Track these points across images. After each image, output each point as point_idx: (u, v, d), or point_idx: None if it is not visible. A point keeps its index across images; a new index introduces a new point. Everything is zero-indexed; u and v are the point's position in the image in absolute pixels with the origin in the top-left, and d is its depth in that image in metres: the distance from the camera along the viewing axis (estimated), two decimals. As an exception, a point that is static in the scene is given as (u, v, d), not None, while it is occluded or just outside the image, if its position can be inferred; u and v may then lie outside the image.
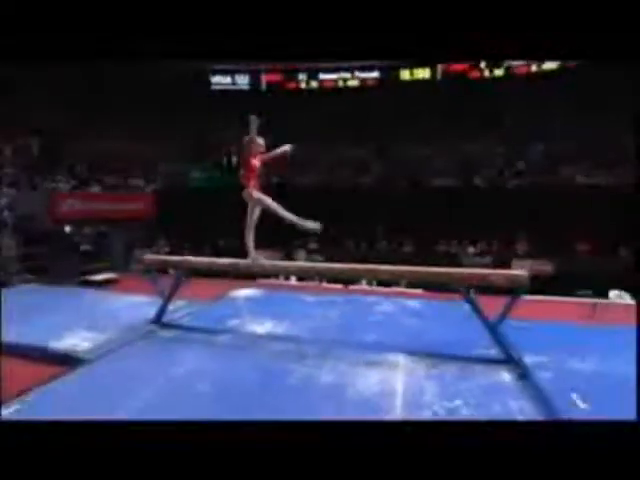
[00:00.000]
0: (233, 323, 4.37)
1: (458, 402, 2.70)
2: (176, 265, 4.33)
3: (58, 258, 7.53)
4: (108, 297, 5.73)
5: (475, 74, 15.22)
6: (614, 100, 10.77)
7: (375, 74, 15.89)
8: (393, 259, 8.74)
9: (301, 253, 8.84)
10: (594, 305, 5.26)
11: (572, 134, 10.65)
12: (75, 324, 4.19)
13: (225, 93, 14.72)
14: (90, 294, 6.00)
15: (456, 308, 4.77)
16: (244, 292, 5.71)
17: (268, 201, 3.86)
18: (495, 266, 7.86)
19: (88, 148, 10.80)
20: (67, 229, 8.74)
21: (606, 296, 6.14)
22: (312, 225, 3.79)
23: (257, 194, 3.85)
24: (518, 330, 3.48)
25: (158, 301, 4.55)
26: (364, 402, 2.73)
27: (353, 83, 16.08)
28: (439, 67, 15.41)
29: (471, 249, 8.15)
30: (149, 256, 4.41)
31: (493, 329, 3.33)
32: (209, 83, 14.73)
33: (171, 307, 4.61)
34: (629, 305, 5.81)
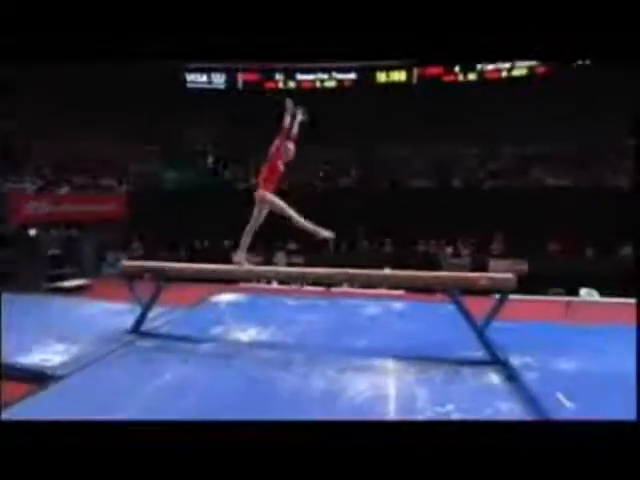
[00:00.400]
0: (216, 330, 4.23)
1: (450, 407, 2.70)
2: (158, 271, 4.13)
3: (23, 263, 7.09)
4: (80, 305, 5.43)
5: (450, 78, 15.61)
6: (581, 105, 11.27)
7: (352, 75, 15.97)
8: (374, 259, 8.82)
9: (281, 255, 8.73)
10: (568, 303, 5.44)
11: (541, 138, 11.05)
12: (45, 336, 3.93)
13: (201, 92, 14.39)
14: (60, 302, 5.68)
15: (439, 308, 4.83)
16: (225, 297, 5.55)
17: (281, 204, 3.75)
18: (473, 266, 8.04)
19: (56, 147, 10.26)
20: (32, 232, 8.26)
21: (577, 294, 6.38)
22: (326, 233, 3.70)
23: (270, 196, 3.75)
24: (501, 331, 3.54)
25: (135, 308, 4.35)
26: (356, 409, 2.68)
27: (330, 84, 16.11)
28: (415, 70, 15.70)
29: (449, 249, 8.29)
30: (128, 262, 4.20)
31: (480, 331, 3.37)
32: (184, 82, 14.36)
33: (150, 314, 4.41)
34: (599, 302, 6.07)
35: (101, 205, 9.09)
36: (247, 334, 4.11)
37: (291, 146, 3.80)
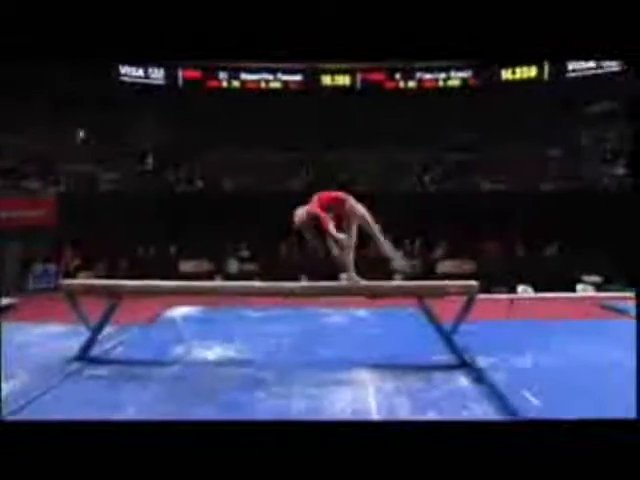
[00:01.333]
0: (177, 351, 3.93)
1: (431, 414, 2.77)
2: (113, 290, 3.71)
3: None
4: (7, 329, 4.72)
5: (390, 85, 16.25)
6: (507, 117, 12.39)
7: (298, 77, 15.94)
8: (326, 263, 8.87)
9: (233, 262, 8.43)
10: (511, 301, 5.92)
11: (478, 145, 11.95)
12: None
13: (137, 87, 13.39)
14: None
15: (398, 313, 4.99)
16: (180, 311, 5.21)
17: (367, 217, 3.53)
18: (423, 268, 8.44)
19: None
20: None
21: (515, 291, 6.98)
22: (401, 263, 3.59)
23: (361, 209, 3.50)
24: (460, 332, 3.69)
25: (77, 330, 3.94)
26: None
27: (276, 85, 15.93)
28: (358, 75, 16.11)
29: (400, 252, 8.62)
30: (70, 281, 3.73)
31: (448, 337, 3.51)
32: (118, 75, 13.25)
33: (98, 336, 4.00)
34: (535, 298, 6.71)
35: (26, 210, 8.03)
36: (212, 352, 3.88)
37: None
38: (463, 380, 3.28)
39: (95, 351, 3.78)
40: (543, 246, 8.59)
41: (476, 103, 13.69)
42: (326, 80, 16.34)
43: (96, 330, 3.69)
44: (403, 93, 15.60)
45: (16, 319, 5.45)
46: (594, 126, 11.76)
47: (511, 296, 6.28)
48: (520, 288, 6.89)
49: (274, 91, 15.85)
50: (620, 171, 9.60)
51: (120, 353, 3.89)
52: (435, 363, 3.60)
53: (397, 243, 9.39)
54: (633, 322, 4.75)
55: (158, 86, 13.69)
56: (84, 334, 4.22)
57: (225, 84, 15.14)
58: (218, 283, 3.69)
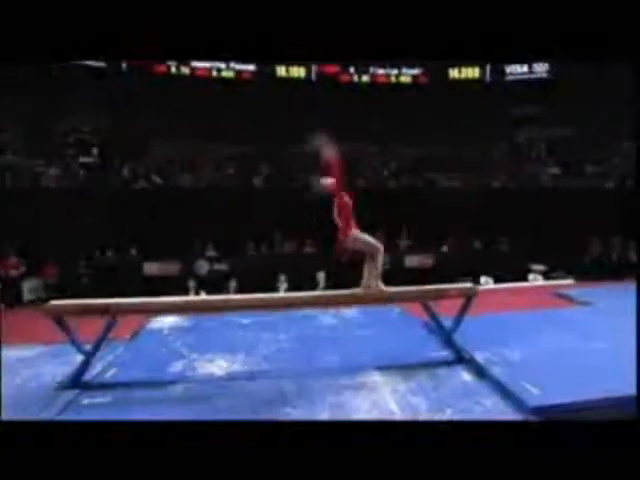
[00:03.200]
0: (177, 366, 3.77)
1: (449, 411, 2.99)
2: (113, 309, 3.38)
3: None
4: None
5: (345, 78, 16.42)
6: (459, 115, 13.17)
7: (251, 67, 15.47)
8: (296, 260, 8.88)
9: (202, 263, 8.12)
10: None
11: (432, 141, 12.58)
12: None
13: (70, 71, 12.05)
14: None
15: (386, 313, 5.21)
16: (165, 322, 4.94)
17: (364, 238, 3.39)
18: (392, 262, 8.78)
19: None
20: None
21: (479, 282, 7.57)
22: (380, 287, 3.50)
23: (355, 235, 3.36)
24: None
25: (50, 351, 3.81)
26: None
27: (228, 74, 15.31)
28: (313, 67, 16.03)
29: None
30: (60, 302, 3.37)
31: (449, 335, 3.78)
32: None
33: (79, 357, 3.71)
34: (496, 289, 7.34)
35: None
36: (216, 366, 3.77)
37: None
38: (466, 375, 3.55)
39: (85, 375, 3.49)
40: (495, 239, 9.36)
41: (425, 100, 14.35)
42: (281, 71, 16.10)
43: (91, 353, 3.40)
44: (357, 87, 15.94)
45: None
46: (528, 127, 12.97)
47: (481, 288, 6.79)
48: (482, 279, 7.49)
49: (225, 80, 15.29)
50: (555, 170, 10.74)
51: (114, 375, 3.62)
52: (435, 359, 3.84)
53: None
54: (586, 309, 5.49)
55: (100, 69, 12.45)
56: (58, 356, 3.92)
57: (174, 70, 14.26)
58: (234, 297, 3.55)
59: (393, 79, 16.53)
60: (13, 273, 7.68)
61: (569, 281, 7.41)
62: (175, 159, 11.30)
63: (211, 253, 8.57)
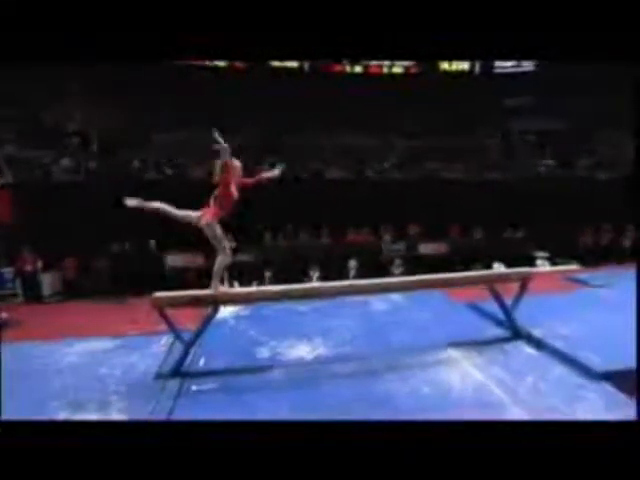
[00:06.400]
0: (264, 353, 3.97)
1: (529, 378, 3.38)
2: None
3: None
4: (24, 350, 4.09)
5: (338, 68, 16.49)
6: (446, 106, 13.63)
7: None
8: (311, 251, 9.06)
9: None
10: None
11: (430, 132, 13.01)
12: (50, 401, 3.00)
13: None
14: None
15: (427, 298, 5.52)
16: (225, 313, 5.03)
17: (218, 233, 3.47)
18: (410, 250, 9.17)
19: None
20: None
21: (491, 268, 8.07)
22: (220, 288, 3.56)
23: (214, 224, 3.44)
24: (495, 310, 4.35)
25: (129, 342, 3.95)
26: (479, 400, 3.07)
27: (219, 63, 15.01)
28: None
29: (387, 237, 9.20)
30: (162, 294, 3.48)
31: (509, 314, 4.19)
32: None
33: (154, 348, 3.99)
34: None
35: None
36: (302, 350, 4.00)
37: (237, 163, 3.53)
38: (528, 349, 3.98)
39: (171, 364, 3.62)
40: (501, 230, 9.91)
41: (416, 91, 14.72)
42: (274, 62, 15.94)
43: (190, 343, 3.55)
44: (350, 77, 16.07)
45: (19, 337, 4.68)
46: (519, 118, 13.67)
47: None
48: (495, 265, 8.02)
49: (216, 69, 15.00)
50: (549, 161, 11.48)
51: (206, 364, 3.77)
52: (494, 337, 4.24)
53: (376, 230, 10.00)
54: (604, 290, 6.07)
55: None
56: (137, 349, 4.04)
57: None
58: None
59: (386, 70, 16.88)
60: (28, 268, 7.46)
61: (574, 266, 8.08)
62: (176, 150, 11.05)
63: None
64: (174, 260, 7.93)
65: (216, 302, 3.45)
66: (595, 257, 8.53)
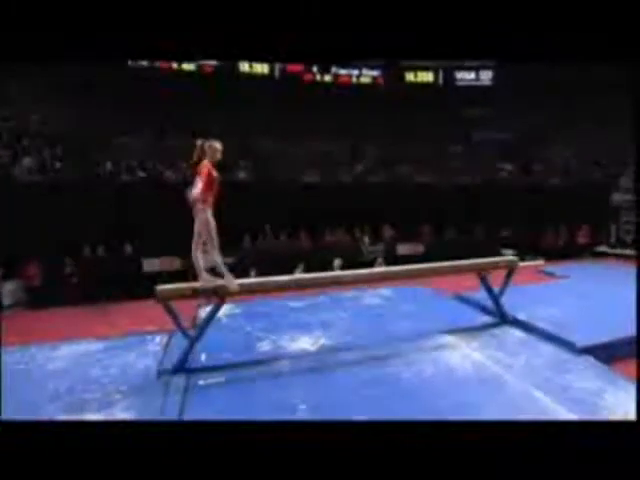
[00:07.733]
0: (265, 347, 3.94)
1: (522, 357, 3.62)
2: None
3: None
4: (21, 355, 3.80)
5: (308, 77, 16.82)
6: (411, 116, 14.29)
7: (212, 62, 15.15)
8: (290, 253, 9.07)
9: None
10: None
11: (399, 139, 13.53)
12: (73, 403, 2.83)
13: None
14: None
15: (412, 292, 5.75)
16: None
17: (211, 227, 3.33)
18: (388, 251, 9.42)
19: None
20: None
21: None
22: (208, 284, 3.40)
23: (210, 216, 3.31)
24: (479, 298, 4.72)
25: (121, 343, 3.84)
26: (484, 382, 3.20)
27: (190, 68, 14.85)
28: (277, 65, 16.18)
29: (366, 239, 9.40)
30: (167, 286, 3.37)
31: (496, 300, 4.45)
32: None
33: (150, 347, 3.90)
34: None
35: None
36: (303, 342, 4.01)
37: (219, 145, 3.38)
38: (517, 332, 4.24)
39: (173, 361, 3.51)
40: (469, 229, 10.45)
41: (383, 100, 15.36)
42: (244, 67, 15.97)
43: (195, 338, 3.45)
44: (319, 86, 16.43)
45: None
46: (479, 127, 14.58)
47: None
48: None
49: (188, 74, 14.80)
50: (509, 167, 12.32)
51: (208, 359, 3.68)
52: (482, 323, 4.48)
53: (350, 231, 10.21)
54: (568, 280, 6.61)
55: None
56: (131, 349, 3.89)
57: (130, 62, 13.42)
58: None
59: (354, 80, 17.40)
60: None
61: (541, 262, 8.70)
62: (141, 152, 10.71)
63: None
64: (151, 264, 7.63)
65: (231, 294, 3.39)
66: (556, 254, 9.24)
